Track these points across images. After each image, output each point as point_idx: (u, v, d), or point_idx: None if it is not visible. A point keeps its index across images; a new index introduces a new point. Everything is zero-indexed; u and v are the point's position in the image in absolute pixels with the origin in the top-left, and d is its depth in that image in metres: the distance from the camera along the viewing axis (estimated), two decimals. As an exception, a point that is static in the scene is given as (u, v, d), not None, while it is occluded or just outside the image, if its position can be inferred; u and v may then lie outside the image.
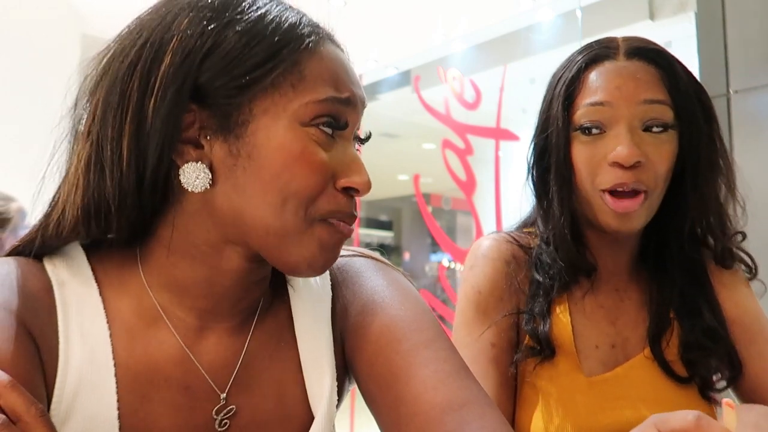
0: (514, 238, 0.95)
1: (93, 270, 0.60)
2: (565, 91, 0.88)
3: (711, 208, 0.89)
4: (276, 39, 0.55)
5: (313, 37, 0.57)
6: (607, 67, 0.86)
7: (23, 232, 2.31)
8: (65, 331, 0.56)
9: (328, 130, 0.56)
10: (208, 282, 0.59)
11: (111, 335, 0.57)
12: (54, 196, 0.59)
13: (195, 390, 0.60)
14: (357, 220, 0.69)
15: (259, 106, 0.55)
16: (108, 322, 0.58)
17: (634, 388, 0.87)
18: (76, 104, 0.59)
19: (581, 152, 0.86)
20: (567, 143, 0.87)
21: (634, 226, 0.86)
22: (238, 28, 0.54)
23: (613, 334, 0.91)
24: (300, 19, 0.58)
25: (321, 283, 0.70)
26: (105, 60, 0.57)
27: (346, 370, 0.69)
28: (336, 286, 0.70)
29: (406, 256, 11.11)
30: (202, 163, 0.55)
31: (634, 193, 0.84)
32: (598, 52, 0.88)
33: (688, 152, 0.87)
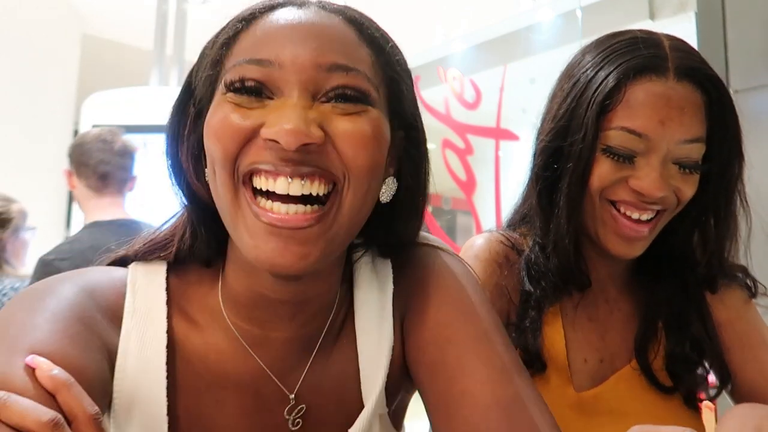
0: (508, 238, 0.91)
1: (168, 284, 0.63)
2: (600, 103, 0.78)
3: (726, 244, 0.87)
4: (224, 27, 0.58)
5: (251, 15, 0.57)
6: (655, 89, 0.77)
7: (24, 234, 2.30)
8: (126, 341, 0.59)
9: (244, 94, 0.53)
10: (251, 291, 0.60)
11: (170, 348, 0.60)
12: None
13: (264, 394, 0.61)
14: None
15: (214, 93, 0.57)
16: (168, 332, 0.60)
17: (620, 401, 0.86)
18: None
19: (602, 167, 0.80)
20: (591, 156, 0.80)
21: (636, 253, 0.83)
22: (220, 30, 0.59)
23: (602, 348, 0.89)
24: (258, 4, 0.58)
25: (383, 272, 0.69)
26: None
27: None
28: (396, 274, 0.69)
29: (406, 256, 11.10)
30: None
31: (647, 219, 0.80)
32: (646, 62, 0.78)
33: (715, 186, 0.84)
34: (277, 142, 0.50)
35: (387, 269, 0.69)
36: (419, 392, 0.65)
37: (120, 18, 4.63)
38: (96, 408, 0.47)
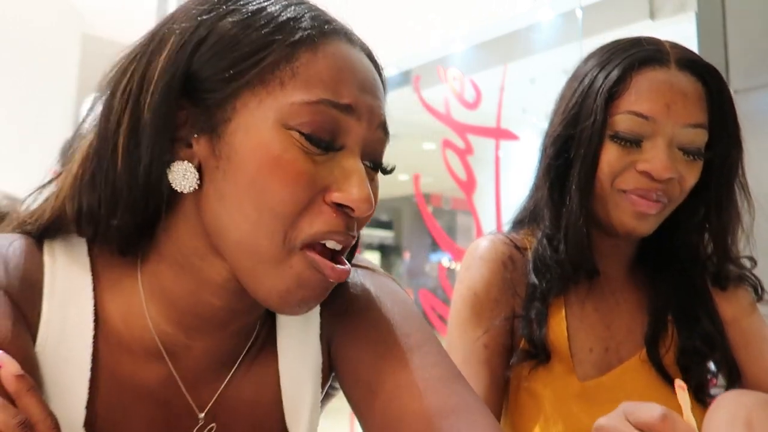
0: (511, 240, 0.94)
1: (92, 264, 0.57)
2: (608, 90, 0.83)
3: (730, 236, 0.89)
4: (267, 30, 0.51)
5: (313, 31, 0.51)
6: (659, 76, 0.82)
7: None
8: (47, 323, 0.53)
9: (316, 142, 0.50)
10: (193, 296, 0.55)
11: (96, 337, 0.54)
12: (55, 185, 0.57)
13: (174, 407, 0.57)
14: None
15: (243, 102, 0.50)
16: (96, 321, 0.55)
17: (627, 391, 0.87)
18: (93, 104, 0.57)
19: (610, 153, 0.83)
20: (600, 142, 0.83)
21: (647, 230, 0.85)
22: (232, 18, 0.51)
23: (608, 338, 0.90)
24: (305, 13, 0.53)
25: None
26: (120, 57, 0.55)
27: (331, 374, 0.67)
28: None
29: (406, 255, 11.11)
30: (189, 162, 0.52)
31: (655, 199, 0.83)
32: (649, 54, 0.84)
33: (716, 177, 0.86)
34: (351, 209, 0.51)
35: None
36: (355, 412, 0.62)
37: (120, 18, 4.63)
38: (55, 418, 0.45)
